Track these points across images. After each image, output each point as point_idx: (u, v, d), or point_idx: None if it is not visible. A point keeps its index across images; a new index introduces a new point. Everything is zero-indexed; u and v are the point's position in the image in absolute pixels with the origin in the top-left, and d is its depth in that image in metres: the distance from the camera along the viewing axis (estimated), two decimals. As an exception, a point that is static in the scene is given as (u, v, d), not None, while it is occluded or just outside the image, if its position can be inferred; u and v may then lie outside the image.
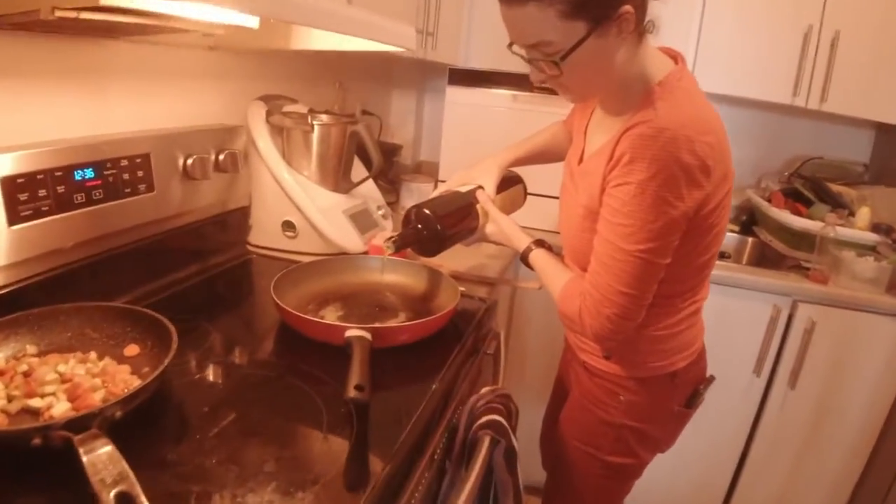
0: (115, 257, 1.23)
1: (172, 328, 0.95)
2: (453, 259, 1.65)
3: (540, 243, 1.23)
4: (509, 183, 1.43)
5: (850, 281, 1.91)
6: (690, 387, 1.22)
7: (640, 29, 0.97)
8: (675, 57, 1.06)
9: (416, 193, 2.11)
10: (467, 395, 1.11)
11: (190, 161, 1.34)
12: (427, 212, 1.22)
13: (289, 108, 1.73)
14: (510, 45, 1.02)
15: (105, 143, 1.17)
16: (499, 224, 1.29)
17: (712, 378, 1.26)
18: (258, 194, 1.59)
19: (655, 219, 0.94)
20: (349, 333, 1.01)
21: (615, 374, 1.18)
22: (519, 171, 1.48)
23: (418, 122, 2.72)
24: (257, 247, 1.62)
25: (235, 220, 1.57)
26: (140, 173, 1.24)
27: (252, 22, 1.08)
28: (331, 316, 1.22)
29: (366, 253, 1.57)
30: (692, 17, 2.10)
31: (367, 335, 1.01)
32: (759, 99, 2.17)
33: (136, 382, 0.88)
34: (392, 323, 1.20)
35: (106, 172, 1.17)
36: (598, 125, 1.15)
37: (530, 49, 0.98)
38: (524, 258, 1.24)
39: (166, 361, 0.87)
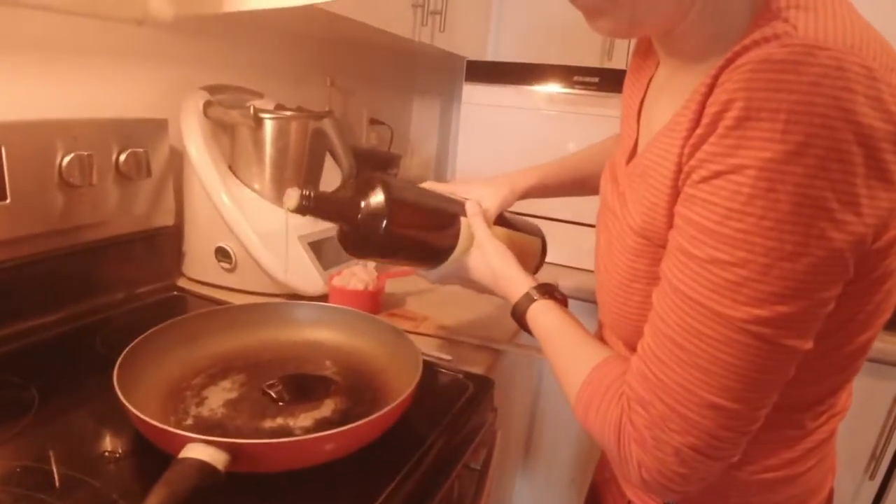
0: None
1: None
2: (445, 306, 1.21)
3: (547, 291, 0.75)
4: (523, 229, 0.95)
5: None
6: None
7: None
8: None
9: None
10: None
11: (68, 159, 0.96)
12: (379, 187, 0.75)
13: (253, 103, 1.34)
14: None
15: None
16: (485, 254, 0.80)
17: None
18: (191, 214, 1.19)
19: (798, 249, 0.45)
20: (186, 452, 0.57)
21: None
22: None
23: (443, 137, 2.29)
24: (193, 280, 1.23)
25: (160, 246, 1.17)
26: (-19, 174, 0.87)
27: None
28: (216, 398, 0.78)
29: (324, 297, 1.15)
30: None
31: (218, 460, 0.57)
32: None
33: None
34: (302, 422, 0.75)
35: (-83, 169, 0.80)
36: (660, 92, 0.66)
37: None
38: (519, 314, 0.75)
39: None
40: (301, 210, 0.72)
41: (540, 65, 1.55)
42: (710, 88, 0.49)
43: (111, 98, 1.14)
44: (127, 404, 0.65)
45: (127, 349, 0.75)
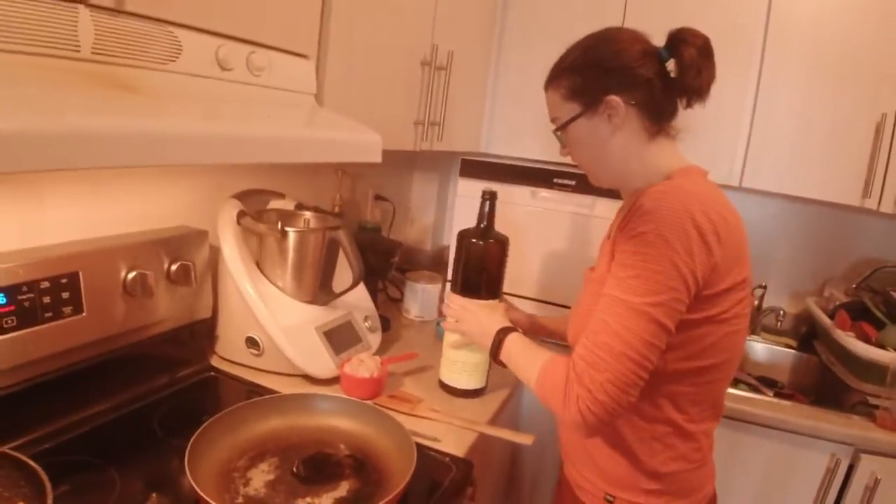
0: (34, 389, 1.06)
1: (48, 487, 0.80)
2: (437, 388, 1.44)
3: (517, 329, 1.20)
4: None
5: (928, 426, 1.58)
6: None
7: (652, 130, 1.06)
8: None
9: (421, 295, 1.90)
10: None
11: (131, 276, 1.18)
12: (504, 239, 1.39)
13: (274, 203, 1.57)
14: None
15: (21, 267, 1.02)
16: (495, 312, 1.29)
17: None
18: (224, 304, 1.42)
19: (663, 269, 0.90)
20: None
21: None
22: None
23: (441, 206, 2.53)
24: (224, 359, 1.45)
25: (197, 333, 1.39)
26: (65, 294, 1.08)
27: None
28: (258, 480, 1.01)
29: (336, 378, 1.37)
30: (743, 105, 1.85)
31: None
32: (821, 200, 1.88)
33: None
34: (325, 502, 0.97)
35: (20, 297, 1.02)
36: (617, 217, 1.17)
37: (552, 123, 1.14)
38: (498, 340, 1.17)
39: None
40: (484, 195, 1.37)
41: (525, 167, 1.80)
42: (636, 202, 0.96)
43: (158, 208, 1.36)
44: (197, 488, 0.87)
45: (191, 441, 0.98)
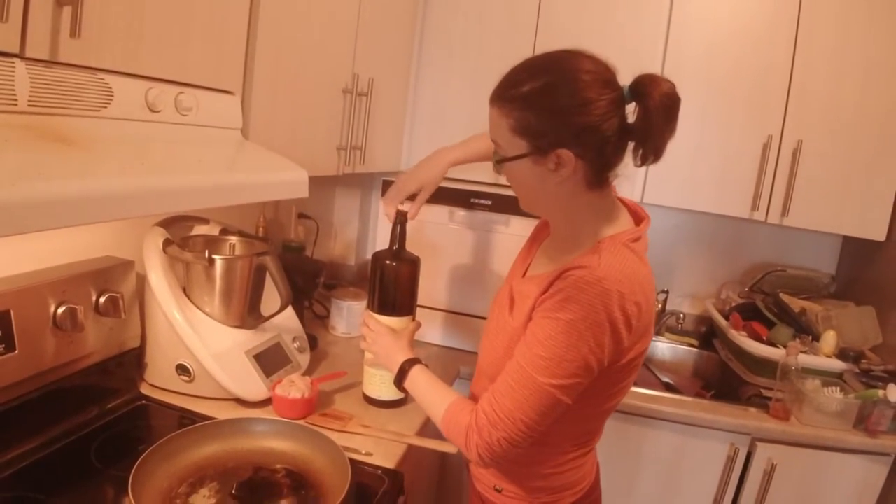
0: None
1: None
2: (366, 404, 1.51)
3: (420, 361, 1.26)
4: None
5: (814, 414, 1.76)
6: None
7: (593, 181, 1.02)
8: (641, 218, 1.12)
9: (347, 313, 1.96)
10: None
11: (60, 311, 1.19)
12: (415, 261, 1.49)
13: (198, 229, 1.59)
14: None
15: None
16: (401, 337, 1.35)
17: None
18: (152, 332, 1.43)
19: (573, 358, 0.96)
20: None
21: None
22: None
23: (363, 221, 2.59)
24: (154, 387, 1.46)
25: (125, 362, 1.40)
26: (-2, 333, 1.09)
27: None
28: (199, 505, 1.05)
29: (268, 400, 1.41)
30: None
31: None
32: (715, 213, 2.06)
33: None
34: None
35: (-50, 338, 1.02)
36: (547, 249, 1.20)
37: (491, 142, 1.08)
38: (403, 370, 1.24)
39: None
40: (396, 216, 1.44)
41: (444, 187, 1.87)
42: (558, 276, 1.00)
43: (84, 240, 1.36)
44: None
45: (132, 472, 1.00)
